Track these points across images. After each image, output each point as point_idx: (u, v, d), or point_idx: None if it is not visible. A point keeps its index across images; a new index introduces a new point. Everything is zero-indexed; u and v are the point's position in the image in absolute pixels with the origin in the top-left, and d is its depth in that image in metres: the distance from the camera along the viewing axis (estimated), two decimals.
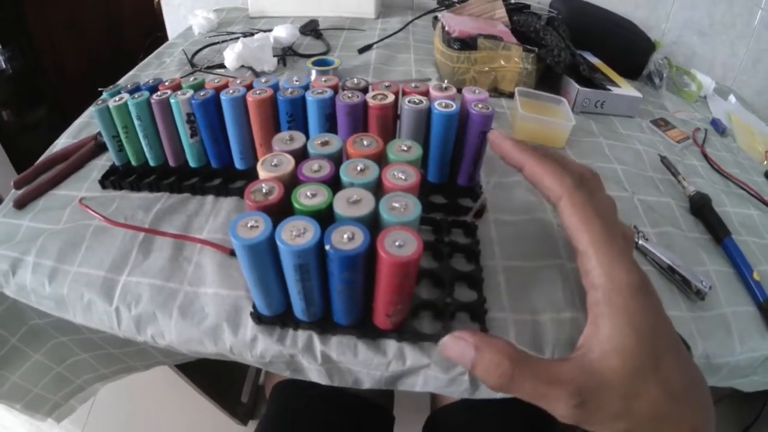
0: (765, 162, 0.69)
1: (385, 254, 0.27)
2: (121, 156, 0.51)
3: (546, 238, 0.45)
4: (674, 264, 0.44)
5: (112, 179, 0.51)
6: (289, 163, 0.34)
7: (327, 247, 0.28)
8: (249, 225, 0.29)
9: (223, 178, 0.50)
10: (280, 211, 0.31)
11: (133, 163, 0.51)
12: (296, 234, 0.28)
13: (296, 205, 0.30)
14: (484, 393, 0.38)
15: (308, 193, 0.31)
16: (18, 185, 0.52)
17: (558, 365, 0.28)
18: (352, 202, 0.30)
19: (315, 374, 0.39)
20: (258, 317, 0.37)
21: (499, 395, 0.35)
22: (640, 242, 0.46)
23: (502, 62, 0.66)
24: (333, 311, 0.35)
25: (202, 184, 0.50)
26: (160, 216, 0.47)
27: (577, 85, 0.66)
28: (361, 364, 0.37)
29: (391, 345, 0.37)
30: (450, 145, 0.43)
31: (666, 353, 0.27)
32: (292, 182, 0.33)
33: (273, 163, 0.34)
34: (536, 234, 0.45)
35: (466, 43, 0.66)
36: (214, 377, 1.02)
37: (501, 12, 0.75)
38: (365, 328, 0.36)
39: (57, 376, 0.57)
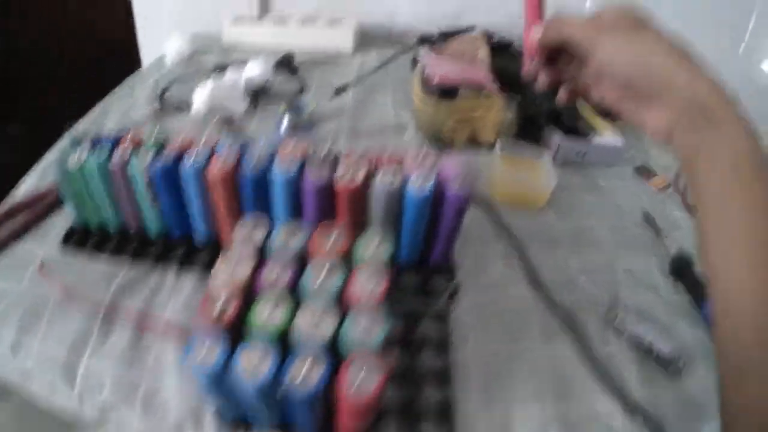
0: None
1: (346, 394, 0.25)
2: (80, 217, 0.49)
3: (521, 318, 0.44)
4: (653, 343, 0.43)
5: (75, 239, 0.49)
6: (248, 266, 0.31)
7: (283, 388, 0.26)
8: (205, 346, 0.27)
9: (186, 247, 0.48)
10: (238, 327, 0.29)
11: (92, 225, 0.49)
12: (253, 364, 0.26)
13: (253, 325, 0.28)
14: None
15: (268, 308, 0.29)
16: None
17: None
18: (313, 324, 0.28)
19: None
20: (221, 417, 0.35)
21: None
22: (617, 322, 0.45)
23: (483, 112, 0.64)
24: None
25: (165, 253, 0.48)
26: (120, 291, 0.45)
27: (558, 139, 0.64)
28: None
29: None
30: (423, 226, 0.41)
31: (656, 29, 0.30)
32: (251, 290, 0.31)
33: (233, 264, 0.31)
34: (512, 314, 0.44)
35: (447, 92, 0.64)
36: None
37: (483, 52, 0.73)
38: None
39: None
